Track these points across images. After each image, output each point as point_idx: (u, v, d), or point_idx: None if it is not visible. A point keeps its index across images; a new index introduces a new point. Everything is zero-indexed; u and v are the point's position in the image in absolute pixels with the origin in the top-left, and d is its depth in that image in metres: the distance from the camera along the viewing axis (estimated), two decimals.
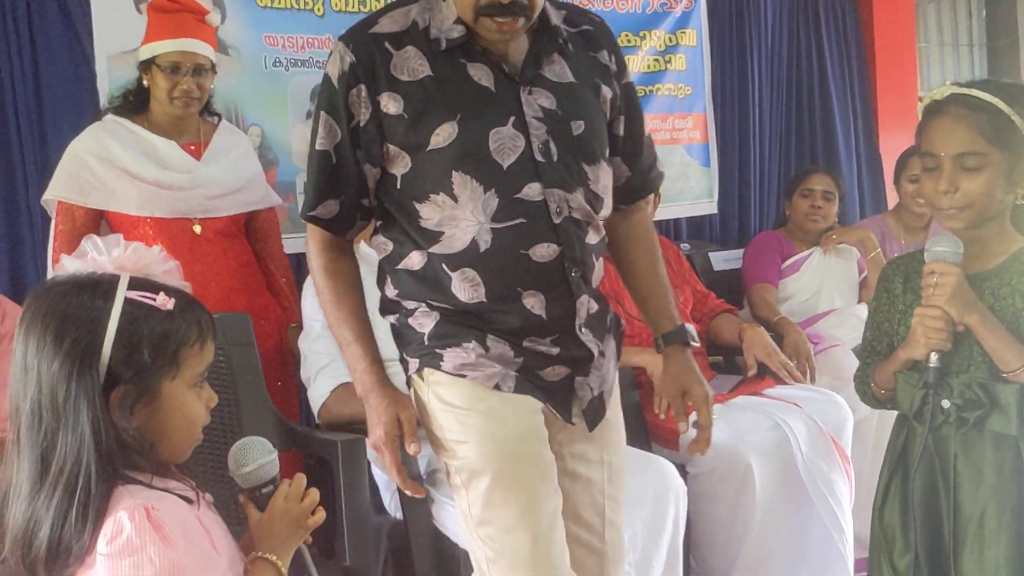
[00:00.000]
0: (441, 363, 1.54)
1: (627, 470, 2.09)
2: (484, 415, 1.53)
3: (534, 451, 1.55)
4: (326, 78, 1.52)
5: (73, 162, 2.52)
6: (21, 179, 2.88)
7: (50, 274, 2.55)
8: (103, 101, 2.89)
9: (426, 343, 1.56)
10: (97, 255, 1.22)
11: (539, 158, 1.50)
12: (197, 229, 2.56)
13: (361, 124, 1.51)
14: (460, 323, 1.54)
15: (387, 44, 1.50)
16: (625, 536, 1.98)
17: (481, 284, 1.51)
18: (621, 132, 1.68)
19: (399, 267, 1.57)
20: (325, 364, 2.26)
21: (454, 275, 1.51)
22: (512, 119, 1.50)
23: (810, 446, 2.45)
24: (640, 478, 2.12)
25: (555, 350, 1.57)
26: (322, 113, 1.53)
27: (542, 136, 1.51)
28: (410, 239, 1.55)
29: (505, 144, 1.49)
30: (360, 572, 2.01)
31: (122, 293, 1.18)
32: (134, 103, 2.59)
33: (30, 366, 1.15)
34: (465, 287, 1.51)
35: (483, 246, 1.50)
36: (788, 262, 3.45)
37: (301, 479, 1.36)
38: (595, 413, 1.67)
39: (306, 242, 1.64)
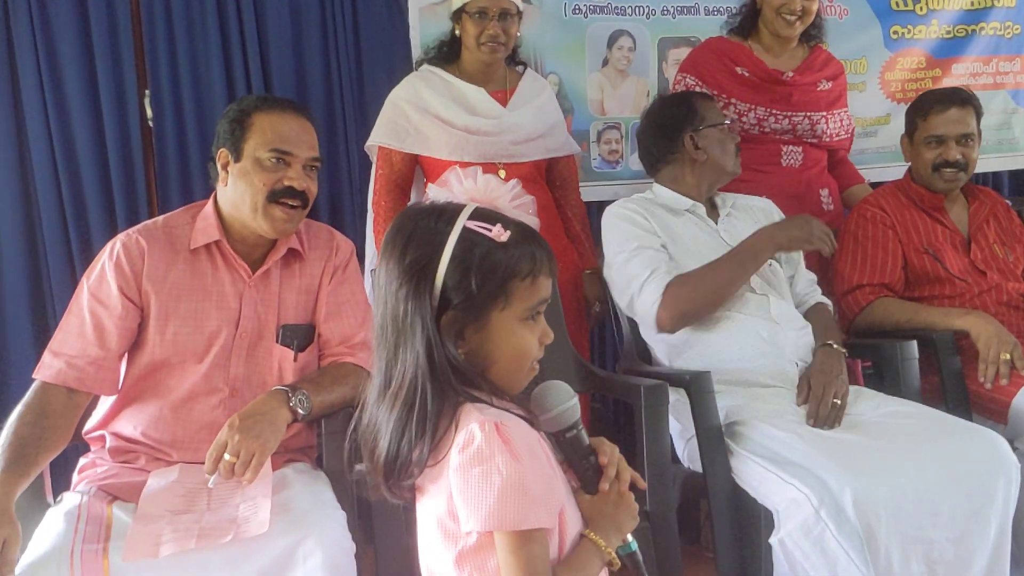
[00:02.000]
0: None
1: (948, 439, 1.95)
2: None
3: None
4: None
5: (392, 110, 2.68)
6: (341, 125, 3.11)
7: (370, 214, 2.75)
8: (415, 52, 3.05)
9: None
10: (456, 185, 1.29)
11: None
12: (502, 174, 2.63)
13: None
14: None
15: None
16: (944, 508, 1.83)
17: None
18: None
19: None
20: (647, 276, 2.25)
21: None
22: None
23: None
24: (963, 448, 1.94)
25: None
26: None
27: None
28: None
29: None
30: (659, 517, 1.99)
31: (463, 220, 1.23)
32: (447, 53, 2.71)
33: (381, 283, 1.24)
34: None
35: None
36: None
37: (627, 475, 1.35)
38: None
39: None
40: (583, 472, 1.32)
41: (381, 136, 2.68)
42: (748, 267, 2.24)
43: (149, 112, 2.89)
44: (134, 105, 2.89)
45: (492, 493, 1.13)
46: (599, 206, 3.29)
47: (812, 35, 2.93)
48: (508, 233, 1.23)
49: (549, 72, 3.26)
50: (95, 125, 2.85)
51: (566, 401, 1.29)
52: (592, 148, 3.38)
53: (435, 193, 1.30)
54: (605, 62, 3.36)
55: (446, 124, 2.62)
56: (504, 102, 2.69)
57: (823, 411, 2.07)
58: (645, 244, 2.29)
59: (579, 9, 3.29)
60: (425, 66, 2.72)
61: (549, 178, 2.82)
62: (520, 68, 2.81)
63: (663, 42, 3.40)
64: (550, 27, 3.26)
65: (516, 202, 1.30)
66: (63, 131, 2.81)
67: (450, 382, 1.19)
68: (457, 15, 2.64)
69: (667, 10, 3.40)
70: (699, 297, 2.20)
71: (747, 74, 2.84)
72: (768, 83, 2.84)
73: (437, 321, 1.20)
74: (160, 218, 1.98)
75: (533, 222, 1.30)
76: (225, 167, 1.90)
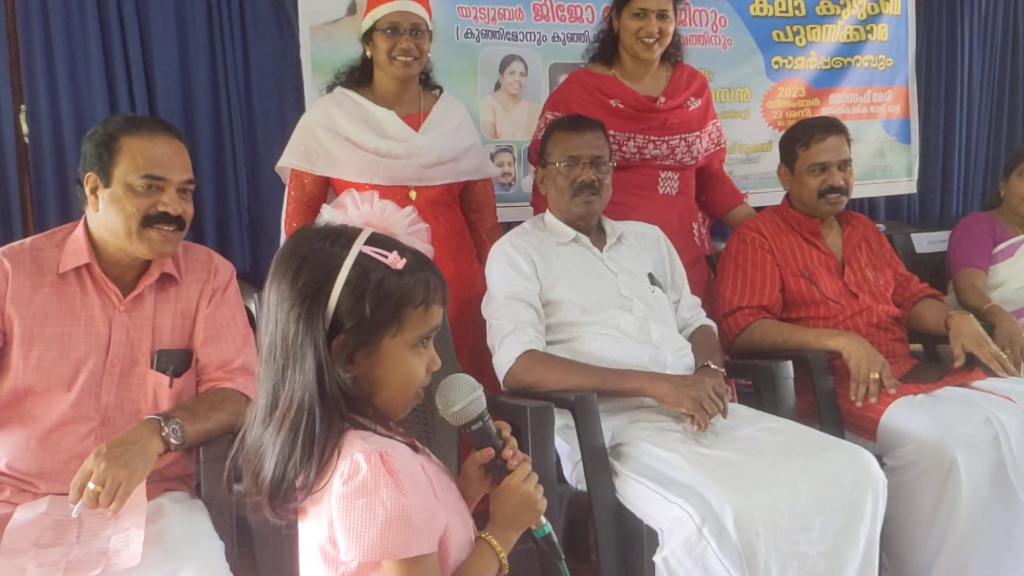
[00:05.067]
0: None
1: (819, 456, 2.02)
2: None
3: None
4: None
5: (303, 132, 2.65)
6: (229, 144, 3.06)
7: (282, 237, 2.71)
8: (306, 71, 3.03)
9: None
10: (352, 208, 1.28)
11: None
12: (413, 196, 2.62)
13: None
14: None
15: None
16: (816, 524, 1.90)
17: None
18: None
19: None
20: (509, 331, 2.27)
21: None
22: None
23: (1023, 445, 2.26)
24: (834, 465, 2.01)
25: None
26: None
27: None
28: None
29: None
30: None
31: (359, 245, 1.22)
32: (359, 76, 2.69)
33: (271, 304, 1.22)
34: None
35: None
36: (1000, 247, 3.19)
37: (527, 465, 1.35)
38: None
39: None
40: (491, 463, 1.33)
41: (291, 158, 2.64)
42: (613, 391, 2.20)
43: (25, 128, 2.79)
44: (9, 120, 2.80)
45: (375, 525, 1.13)
46: None
47: (671, 54, 2.98)
48: (404, 260, 1.23)
49: None
50: None
51: (469, 394, 1.31)
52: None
53: (330, 215, 1.29)
54: (497, 86, 3.40)
55: (356, 146, 2.59)
56: (417, 126, 2.67)
57: (702, 419, 2.11)
58: (516, 294, 2.32)
59: (471, 33, 3.33)
60: (338, 89, 2.69)
61: (464, 201, 2.81)
62: (436, 91, 2.79)
63: (554, 67, 3.46)
64: (442, 50, 3.26)
65: (412, 228, 1.30)
66: None
67: (338, 406, 1.19)
68: (367, 35, 2.61)
69: (557, 36, 3.46)
70: (550, 382, 2.21)
71: (621, 105, 2.88)
72: (643, 112, 2.89)
73: (328, 344, 1.19)
74: (28, 240, 1.91)
75: (427, 250, 1.30)
76: (94, 191, 1.84)
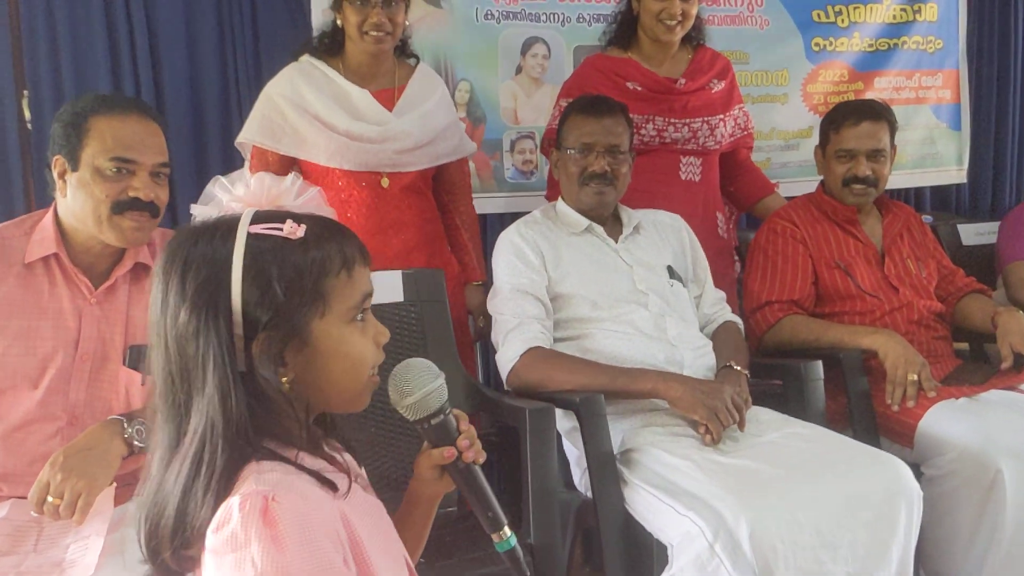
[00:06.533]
0: None
1: (847, 466, 1.86)
2: None
3: None
4: None
5: (267, 105, 2.47)
6: (237, 128, 2.93)
7: None
8: None
9: None
10: (225, 195, 1.09)
11: None
12: (385, 183, 2.47)
13: None
14: None
15: None
16: (843, 541, 1.74)
17: None
18: None
19: None
20: (513, 327, 2.13)
21: None
22: None
23: None
24: (864, 477, 1.85)
25: None
26: None
27: None
28: None
29: None
30: (544, 550, 1.86)
31: (244, 228, 1.03)
32: (329, 45, 2.51)
33: (159, 327, 1.03)
34: None
35: None
36: None
37: None
38: None
39: None
40: (451, 466, 1.18)
41: (255, 134, 2.46)
42: (623, 392, 2.06)
43: (28, 114, 2.72)
44: (11, 107, 2.72)
45: None
46: (512, 217, 3.18)
47: (693, 37, 2.84)
48: (303, 227, 1.04)
49: (460, 79, 3.14)
50: None
51: (428, 382, 1.14)
52: (505, 158, 3.26)
53: (202, 213, 1.10)
54: (519, 70, 3.25)
55: (326, 127, 2.42)
56: (391, 102, 2.49)
57: (715, 430, 1.96)
58: (522, 287, 2.18)
59: (492, 15, 3.18)
60: (306, 58, 2.50)
61: (437, 183, 2.64)
62: (412, 61, 2.61)
63: (578, 50, 3.30)
64: (461, 33, 3.14)
65: (302, 198, 1.12)
66: None
67: (245, 432, 0.99)
68: (338, 4, 2.43)
69: (582, 17, 3.31)
70: (555, 382, 2.07)
71: (639, 88, 2.73)
72: (663, 94, 2.74)
73: (248, 351, 1.01)
74: None
75: (328, 212, 1.12)
76: (62, 176, 1.73)
